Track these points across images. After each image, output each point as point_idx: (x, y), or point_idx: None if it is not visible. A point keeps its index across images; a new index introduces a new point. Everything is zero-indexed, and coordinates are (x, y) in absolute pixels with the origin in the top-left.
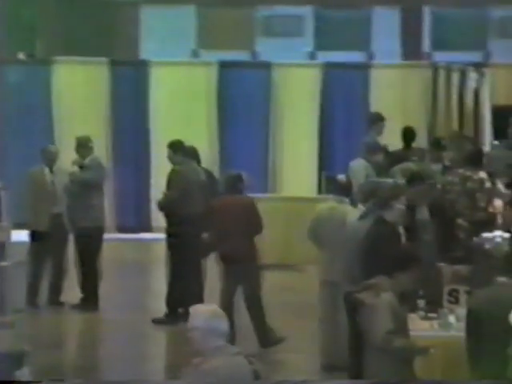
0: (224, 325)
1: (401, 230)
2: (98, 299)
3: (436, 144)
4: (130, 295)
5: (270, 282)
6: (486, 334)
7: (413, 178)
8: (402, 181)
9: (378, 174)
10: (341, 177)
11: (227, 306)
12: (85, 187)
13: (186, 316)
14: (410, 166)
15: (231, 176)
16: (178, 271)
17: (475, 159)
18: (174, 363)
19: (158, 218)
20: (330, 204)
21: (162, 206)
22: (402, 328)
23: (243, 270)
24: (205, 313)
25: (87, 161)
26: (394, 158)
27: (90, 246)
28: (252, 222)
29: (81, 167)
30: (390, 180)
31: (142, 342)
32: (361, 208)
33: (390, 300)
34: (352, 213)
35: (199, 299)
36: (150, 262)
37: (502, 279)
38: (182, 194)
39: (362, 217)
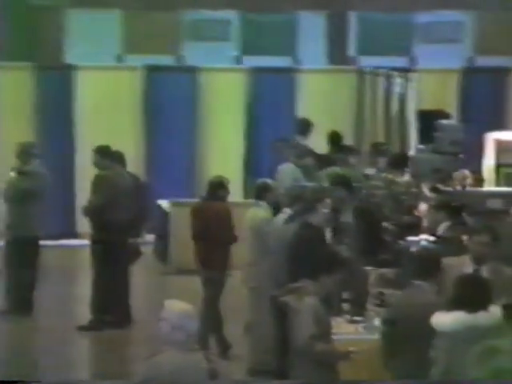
0: (192, 325)
1: (328, 233)
2: (32, 306)
3: (375, 149)
4: (54, 302)
5: (194, 288)
6: (399, 335)
7: (337, 182)
8: (327, 185)
9: (307, 178)
10: (260, 181)
11: (209, 312)
12: (22, 195)
13: (112, 323)
14: (336, 170)
15: (212, 182)
16: (102, 278)
17: (400, 163)
18: (99, 370)
19: (84, 224)
20: (253, 209)
21: (87, 212)
22: (325, 332)
23: (210, 278)
24: (177, 309)
25: (28, 168)
26: (321, 162)
27: (24, 254)
28: (223, 231)
29: (20, 174)
30: (314, 184)
31: (67, 348)
32: (287, 212)
33: (314, 304)
34: (274, 217)
35: (124, 306)
36: (75, 268)
37: (417, 282)
38: (107, 200)
39: (288, 221)
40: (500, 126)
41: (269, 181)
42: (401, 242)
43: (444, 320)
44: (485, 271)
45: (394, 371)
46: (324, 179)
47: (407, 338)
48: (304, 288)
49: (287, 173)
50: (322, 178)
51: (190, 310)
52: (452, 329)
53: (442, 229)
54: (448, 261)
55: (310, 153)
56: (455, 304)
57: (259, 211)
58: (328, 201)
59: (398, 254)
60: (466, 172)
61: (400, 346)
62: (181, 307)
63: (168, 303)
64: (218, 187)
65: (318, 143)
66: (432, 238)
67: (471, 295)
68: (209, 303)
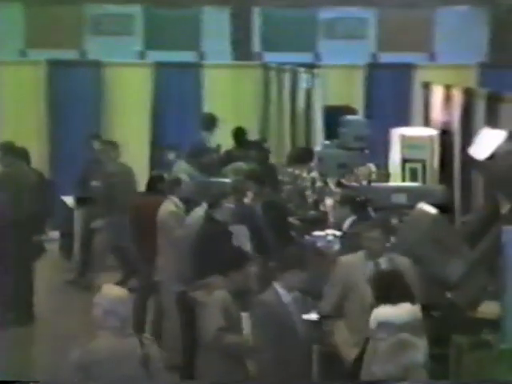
0: (125, 310)
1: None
2: None
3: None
4: None
5: (99, 284)
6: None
7: (247, 177)
8: (232, 180)
9: (206, 175)
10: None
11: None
12: None
13: (15, 321)
14: (241, 165)
15: (152, 176)
16: (5, 275)
17: (305, 158)
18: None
19: None
20: (164, 203)
21: None
22: (235, 325)
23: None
24: (110, 294)
25: None
26: (226, 158)
27: None
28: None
29: None
30: (219, 179)
31: None
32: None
33: (223, 297)
34: (186, 211)
35: (28, 303)
36: None
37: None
38: (9, 197)
39: (193, 217)
40: (405, 121)
41: (183, 176)
42: (307, 236)
43: (379, 313)
44: (382, 264)
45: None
46: (228, 175)
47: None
48: (213, 283)
49: (178, 171)
50: (225, 174)
51: (123, 294)
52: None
53: (347, 224)
54: (345, 257)
55: (207, 149)
56: (376, 299)
57: (169, 205)
58: (233, 196)
59: (301, 249)
60: (372, 167)
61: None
62: (114, 292)
63: (103, 288)
64: (157, 181)
65: (224, 139)
66: (338, 233)
67: (388, 290)
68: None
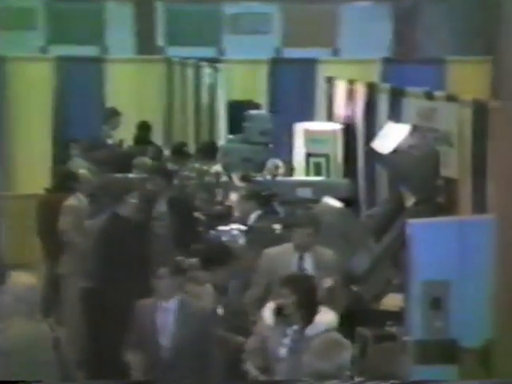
0: (32, 296)
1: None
2: None
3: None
4: None
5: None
6: None
7: (149, 172)
8: (137, 175)
9: (104, 170)
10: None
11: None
12: None
13: None
14: (145, 160)
15: (60, 171)
16: None
17: (209, 153)
18: None
19: None
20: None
21: None
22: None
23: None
24: (17, 282)
25: None
26: (129, 153)
27: None
28: None
29: None
30: (122, 175)
31: None
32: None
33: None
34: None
35: None
36: None
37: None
38: None
39: (96, 213)
40: (309, 116)
41: (83, 171)
42: (212, 231)
43: None
44: (308, 257)
45: None
46: (132, 170)
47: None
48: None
49: (76, 166)
50: (130, 169)
51: (30, 282)
52: None
53: (252, 218)
54: (271, 250)
55: (102, 145)
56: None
57: (71, 201)
58: (137, 192)
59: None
60: (277, 162)
61: None
62: (23, 279)
63: (12, 275)
64: (67, 178)
65: (127, 133)
66: (242, 228)
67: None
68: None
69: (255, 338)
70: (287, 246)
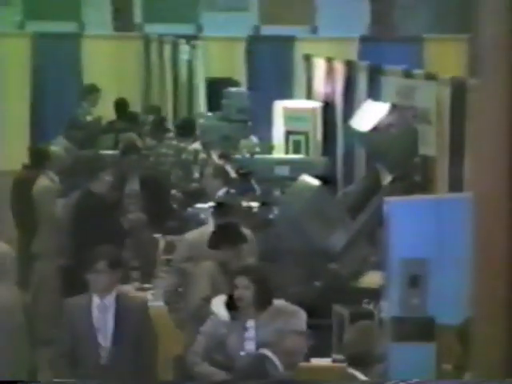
0: (9, 262)
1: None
2: None
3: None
4: None
5: None
6: None
7: (125, 149)
8: (111, 152)
9: (85, 149)
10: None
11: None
12: None
13: None
14: (131, 136)
15: (31, 149)
16: None
17: (187, 130)
18: None
19: None
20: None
21: None
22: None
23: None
24: None
25: None
26: (108, 130)
27: None
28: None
29: None
30: (97, 152)
31: None
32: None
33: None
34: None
35: None
36: None
37: None
38: None
39: (68, 191)
40: (287, 94)
41: (58, 149)
42: (189, 209)
43: None
44: None
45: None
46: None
47: None
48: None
49: (57, 144)
50: (106, 146)
51: (8, 250)
52: None
53: (218, 195)
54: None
55: (83, 123)
56: None
57: (43, 180)
58: (111, 169)
59: (184, 221)
60: (255, 139)
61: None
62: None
63: None
64: (39, 155)
65: (106, 110)
66: (211, 204)
67: None
68: None
69: (204, 337)
70: (206, 229)
